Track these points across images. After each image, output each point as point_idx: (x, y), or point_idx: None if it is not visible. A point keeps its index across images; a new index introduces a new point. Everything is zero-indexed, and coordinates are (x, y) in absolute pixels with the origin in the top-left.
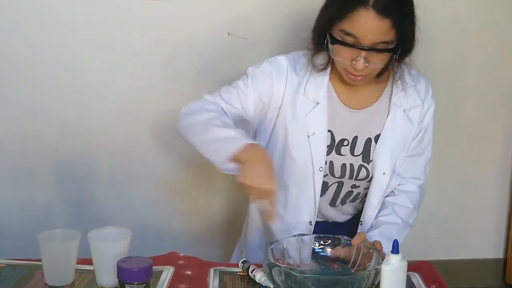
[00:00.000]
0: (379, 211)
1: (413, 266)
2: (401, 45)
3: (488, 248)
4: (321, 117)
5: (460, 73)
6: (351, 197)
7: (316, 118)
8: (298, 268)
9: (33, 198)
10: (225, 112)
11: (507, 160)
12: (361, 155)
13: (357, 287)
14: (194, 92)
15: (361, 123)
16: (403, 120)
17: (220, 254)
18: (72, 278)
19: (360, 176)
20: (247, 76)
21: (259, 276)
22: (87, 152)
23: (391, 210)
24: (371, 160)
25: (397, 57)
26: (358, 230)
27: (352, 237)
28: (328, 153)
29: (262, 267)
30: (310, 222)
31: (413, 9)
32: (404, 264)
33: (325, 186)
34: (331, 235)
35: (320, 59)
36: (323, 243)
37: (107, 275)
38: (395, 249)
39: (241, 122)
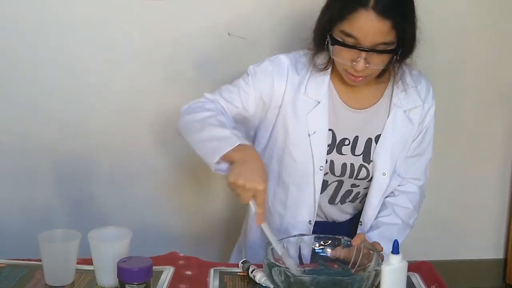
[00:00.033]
0: (379, 211)
1: (413, 267)
2: (401, 46)
3: (488, 248)
4: (322, 116)
5: (459, 73)
6: (351, 196)
7: (316, 117)
8: (298, 268)
9: (33, 198)
10: (225, 111)
11: (507, 159)
12: (361, 155)
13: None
14: (194, 92)
15: (362, 123)
16: (403, 120)
17: (220, 254)
18: (72, 278)
19: (360, 176)
20: (248, 75)
21: (259, 276)
22: (87, 152)
23: (391, 210)
24: (371, 160)
25: (397, 58)
26: (358, 231)
27: (352, 238)
28: (329, 152)
29: (262, 267)
30: (310, 221)
31: (414, 10)
32: (404, 265)
33: (324, 185)
34: (331, 236)
35: (321, 59)
36: (323, 244)
37: (107, 275)
38: (395, 250)
39: (242, 121)
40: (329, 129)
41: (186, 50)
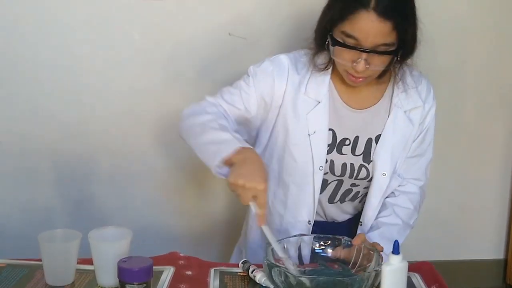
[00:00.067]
0: (379, 212)
1: (413, 267)
2: (402, 47)
3: (489, 248)
4: (322, 115)
5: (460, 74)
6: (350, 196)
7: (317, 116)
8: (298, 269)
9: (33, 198)
10: (227, 114)
11: (507, 160)
12: (362, 155)
13: None
14: (194, 92)
15: (363, 123)
16: (403, 121)
17: (220, 254)
18: (73, 278)
19: (360, 176)
20: (249, 76)
21: (259, 277)
22: (87, 152)
23: (391, 211)
24: (372, 160)
25: (398, 59)
26: (358, 231)
27: (351, 238)
28: (329, 152)
29: (262, 267)
30: (309, 221)
31: (415, 12)
32: (405, 265)
33: (324, 184)
34: (331, 236)
35: (321, 59)
36: (323, 244)
37: (107, 275)
38: (396, 250)
39: (244, 123)
40: (330, 129)
41: (186, 50)
